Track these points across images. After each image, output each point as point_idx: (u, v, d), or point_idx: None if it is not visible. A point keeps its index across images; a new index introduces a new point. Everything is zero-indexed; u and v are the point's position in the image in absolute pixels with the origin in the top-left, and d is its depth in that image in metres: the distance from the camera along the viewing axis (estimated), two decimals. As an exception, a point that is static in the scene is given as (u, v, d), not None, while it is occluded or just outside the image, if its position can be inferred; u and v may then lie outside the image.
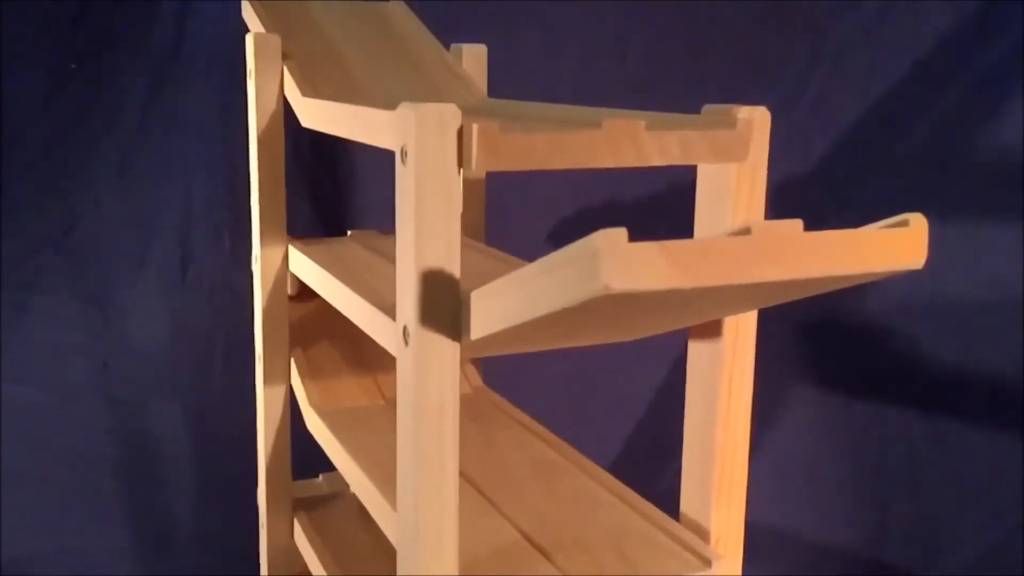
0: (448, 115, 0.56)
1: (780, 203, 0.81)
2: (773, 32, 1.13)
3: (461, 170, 0.57)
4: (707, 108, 0.64)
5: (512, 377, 1.06)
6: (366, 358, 1.01)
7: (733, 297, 0.54)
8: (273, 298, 0.97)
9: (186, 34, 1.42)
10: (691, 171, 0.67)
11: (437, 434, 0.60)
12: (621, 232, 0.43)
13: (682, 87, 1.16)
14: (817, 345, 1.10)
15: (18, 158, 1.39)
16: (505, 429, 0.92)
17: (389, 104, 0.62)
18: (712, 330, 0.67)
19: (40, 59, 1.42)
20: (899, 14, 1.06)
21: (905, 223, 0.49)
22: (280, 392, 0.99)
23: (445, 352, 0.59)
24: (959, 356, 1.00)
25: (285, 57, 0.93)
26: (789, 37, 1.11)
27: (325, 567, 0.91)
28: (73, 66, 1.48)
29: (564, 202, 1.23)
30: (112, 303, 1.34)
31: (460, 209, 0.58)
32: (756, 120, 0.63)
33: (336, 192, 1.37)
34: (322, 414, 0.92)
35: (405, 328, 0.59)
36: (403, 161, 0.58)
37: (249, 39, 0.93)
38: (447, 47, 1.04)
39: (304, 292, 0.96)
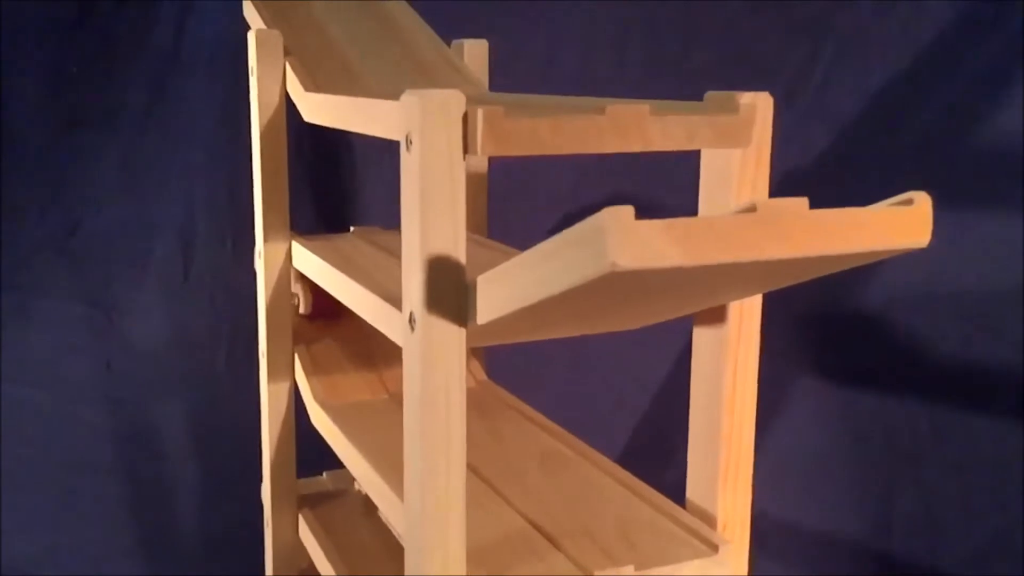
0: (453, 101, 0.56)
1: (782, 196, 0.81)
2: (774, 26, 1.13)
3: (466, 156, 0.57)
4: (710, 94, 0.65)
5: (516, 372, 1.06)
6: (370, 353, 1.01)
7: (738, 278, 0.54)
8: (276, 294, 0.98)
9: (186, 36, 1.43)
10: (695, 167, 0.67)
11: (444, 421, 0.60)
12: (628, 210, 0.44)
13: (682, 82, 1.17)
14: (821, 337, 1.10)
15: (19, 161, 1.39)
16: (510, 422, 0.92)
17: (391, 98, 0.62)
18: (716, 316, 0.67)
19: (41, 63, 1.43)
20: (899, 7, 1.06)
21: (909, 202, 0.49)
22: (284, 388, 0.99)
23: (451, 337, 0.59)
24: (962, 347, 1.00)
25: (287, 53, 0.93)
26: (790, 31, 1.12)
27: (331, 563, 0.91)
28: (74, 69, 1.49)
29: (566, 198, 1.23)
30: (114, 304, 1.34)
31: (464, 195, 0.58)
32: (759, 105, 0.63)
33: (338, 190, 1.37)
34: (327, 408, 0.92)
35: (411, 314, 0.59)
36: (408, 148, 0.58)
37: (251, 35, 0.93)
38: (448, 44, 1.05)
39: (318, 312, 0.97)
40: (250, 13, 1.01)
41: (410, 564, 0.64)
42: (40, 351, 1.32)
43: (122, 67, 1.42)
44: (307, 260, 0.92)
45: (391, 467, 0.76)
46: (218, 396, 1.33)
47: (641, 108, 0.59)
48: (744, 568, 0.69)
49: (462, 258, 0.58)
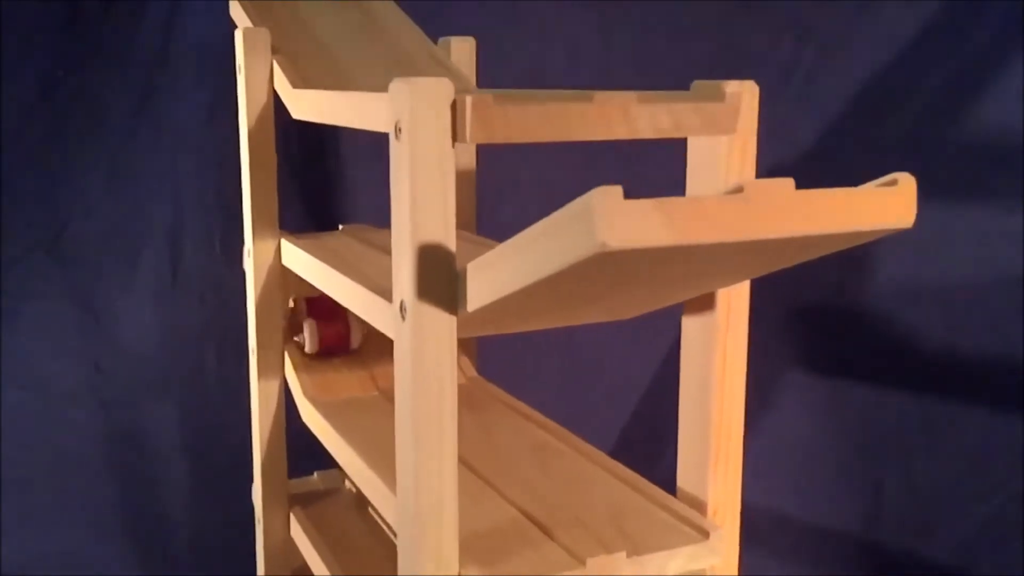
0: (442, 89, 0.56)
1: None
2: (758, 20, 1.14)
3: (455, 144, 0.57)
4: (696, 83, 0.65)
5: (506, 369, 1.07)
6: (360, 351, 1.01)
7: (725, 261, 0.54)
8: (266, 292, 0.98)
9: (173, 39, 1.43)
10: (683, 166, 0.67)
11: (436, 410, 0.60)
12: (616, 190, 0.44)
13: (668, 79, 1.17)
14: (810, 330, 1.11)
15: (7, 164, 1.39)
16: (501, 416, 0.92)
17: (380, 92, 0.63)
18: (705, 304, 0.67)
19: (28, 67, 1.42)
20: (884, 3, 1.07)
21: (894, 183, 0.50)
22: (274, 386, 0.99)
23: (442, 325, 0.59)
24: (951, 339, 1.01)
25: (274, 52, 0.93)
26: (774, 25, 1.12)
27: (323, 560, 0.91)
28: (61, 73, 1.48)
29: (555, 198, 1.23)
30: (103, 306, 1.34)
31: (454, 184, 0.58)
32: (745, 93, 0.63)
33: (326, 189, 1.37)
34: (317, 405, 0.92)
35: (402, 303, 0.60)
36: (397, 137, 0.58)
37: (238, 34, 0.93)
38: (435, 42, 1.05)
39: (325, 351, 0.98)
40: (237, 13, 1.01)
41: (403, 555, 0.64)
42: (29, 353, 1.31)
43: (110, 70, 1.41)
44: (296, 257, 0.92)
45: (383, 461, 0.76)
46: (208, 397, 1.33)
47: (628, 96, 0.59)
48: (735, 553, 0.70)
49: (452, 246, 0.59)
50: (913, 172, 0.52)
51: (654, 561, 0.65)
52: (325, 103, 0.80)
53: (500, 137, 0.57)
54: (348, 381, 0.98)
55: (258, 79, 0.93)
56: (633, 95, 0.59)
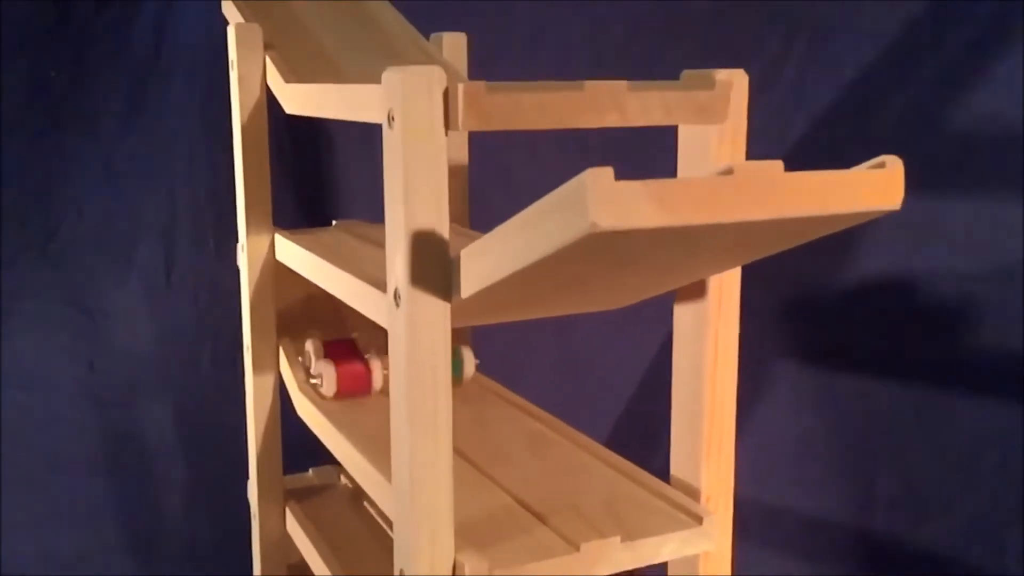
0: (434, 76, 0.57)
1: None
2: (748, 14, 1.15)
3: (448, 132, 0.58)
4: (686, 73, 0.66)
5: (501, 362, 1.07)
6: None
7: (716, 244, 0.55)
8: (260, 287, 0.98)
9: (165, 38, 1.43)
10: (673, 163, 0.68)
11: (431, 397, 0.61)
12: (607, 171, 0.45)
13: (658, 74, 1.18)
14: (802, 321, 1.11)
15: (0, 165, 1.39)
16: (495, 408, 0.92)
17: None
18: (696, 291, 0.68)
19: (20, 67, 1.43)
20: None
21: (882, 165, 0.51)
22: (269, 381, 0.99)
23: (436, 312, 0.60)
24: (942, 329, 1.02)
25: (266, 48, 0.94)
26: (764, 19, 1.13)
27: (319, 553, 0.91)
28: (53, 73, 1.49)
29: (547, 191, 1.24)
30: (97, 306, 1.34)
31: (447, 172, 0.59)
32: (735, 82, 0.64)
33: (319, 186, 1.38)
34: (312, 398, 0.92)
35: (396, 291, 0.60)
36: (390, 125, 0.59)
37: (230, 30, 0.94)
38: (427, 38, 1.06)
39: (344, 393, 0.91)
40: (229, 10, 1.01)
41: (399, 541, 0.64)
42: (23, 353, 1.31)
43: (102, 70, 1.42)
44: (290, 252, 0.93)
45: (378, 452, 0.76)
46: (203, 395, 1.33)
47: (619, 84, 0.60)
48: (728, 539, 0.70)
49: (445, 233, 0.59)
50: (904, 162, 0.52)
51: (648, 546, 0.65)
52: (318, 97, 0.80)
53: (492, 124, 0.57)
54: (343, 375, 0.98)
55: (250, 74, 0.93)
56: (624, 84, 0.60)
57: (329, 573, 0.87)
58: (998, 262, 0.99)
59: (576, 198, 0.45)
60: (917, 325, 1.04)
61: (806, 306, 1.11)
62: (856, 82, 1.11)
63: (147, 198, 1.38)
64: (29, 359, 1.34)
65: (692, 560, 0.70)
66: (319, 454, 1.08)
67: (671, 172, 0.68)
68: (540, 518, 0.68)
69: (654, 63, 1.23)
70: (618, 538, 0.64)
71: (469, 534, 0.65)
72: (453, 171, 1.07)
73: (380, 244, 0.68)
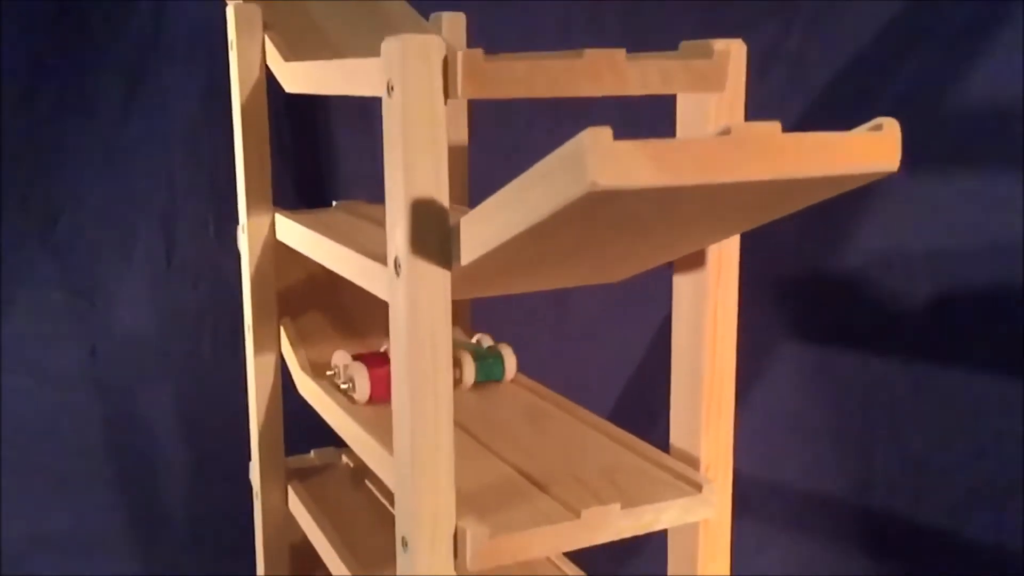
0: (433, 45, 0.57)
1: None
2: (747, -3, 1.15)
3: (447, 100, 0.58)
4: (685, 43, 0.66)
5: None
6: (355, 325, 1.02)
7: (714, 208, 0.55)
8: (261, 268, 0.98)
9: (164, 24, 1.43)
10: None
11: (431, 366, 0.61)
12: (606, 130, 0.45)
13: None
14: (799, 299, 1.12)
15: (1, 153, 1.39)
16: (496, 383, 0.93)
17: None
18: (696, 261, 0.68)
19: (20, 55, 1.43)
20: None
21: (879, 127, 0.51)
22: (270, 360, 1.00)
23: (437, 281, 0.60)
24: (938, 305, 1.02)
25: (266, 27, 0.94)
26: (764, 1, 1.14)
27: (322, 530, 0.92)
28: (53, 61, 1.49)
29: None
30: (99, 292, 1.34)
31: (446, 141, 0.59)
32: (732, 51, 0.64)
33: (318, 170, 1.38)
34: (314, 376, 0.92)
35: (396, 259, 0.61)
36: (389, 94, 0.59)
37: (229, 10, 0.94)
38: (426, 18, 1.06)
39: (377, 399, 0.86)
40: (228, -9, 1.01)
41: (400, 509, 0.64)
42: (26, 340, 1.32)
43: (101, 56, 1.42)
44: (291, 231, 0.93)
45: (379, 426, 0.77)
46: (204, 378, 1.33)
47: (617, 52, 0.60)
48: (728, 507, 0.71)
49: (445, 201, 0.59)
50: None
51: (648, 513, 0.66)
52: (317, 73, 0.80)
53: (491, 92, 0.57)
54: (344, 354, 0.99)
55: (250, 54, 0.94)
56: (622, 52, 0.60)
57: (331, 548, 0.88)
58: (996, 239, 1.00)
59: (575, 157, 0.45)
60: (915, 302, 1.04)
61: (806, 283, 1.12)
62: (855, 59, 1.11)
63: (147, 184, 1.38)
64: (31, 345, 1.34)
65: (692, 528, 0.71)
66: (319, 439, 1.09)
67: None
68: (541, 487, 0.68)
69: (651, 46, 1.23)
70: (618, 505, 0.64)
71: (470, 502, 0.66)
72: (453, 152, 1.08)
73: (380, 223, 0.69)
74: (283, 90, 0.89)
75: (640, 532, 0.66)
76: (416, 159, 0.58)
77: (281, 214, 0.96)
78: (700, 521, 0.70)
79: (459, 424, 0.81)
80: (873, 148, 0.51)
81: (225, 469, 1.26)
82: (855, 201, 1.07)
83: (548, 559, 0.91)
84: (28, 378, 1.32)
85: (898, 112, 0.52)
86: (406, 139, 0.58)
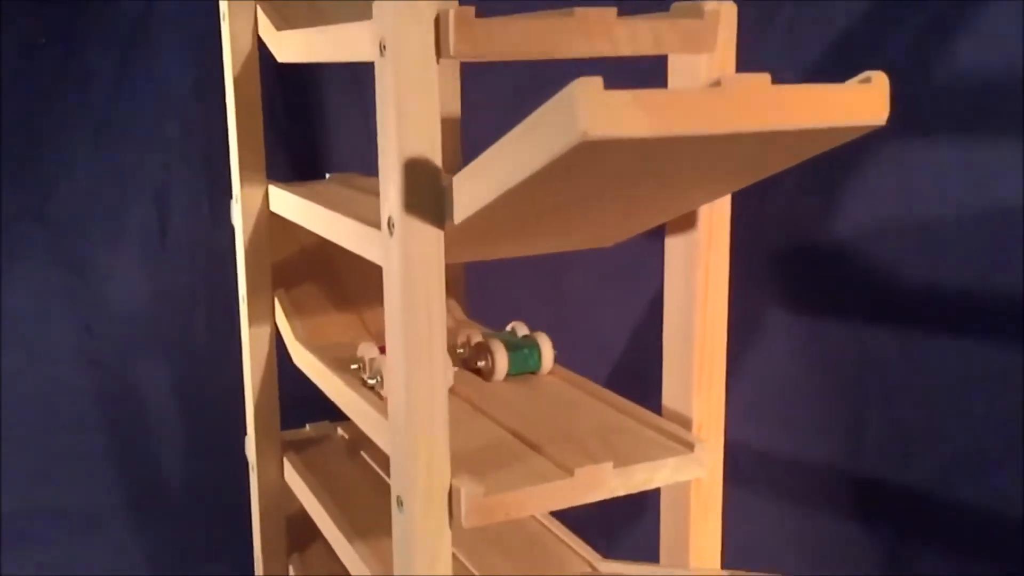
0: (425, 4, 0.57)
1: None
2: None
3: (439, 60, 0.58)
4: (675, 4, 0.66)
5: (495, 314, 1.08)
6: (350, 296, 1.02)
7: (705, 163, 0.56)
8: (255, 238, 0.98)
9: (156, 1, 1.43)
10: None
11: (425, 326, 0.61)
12: (597, 80, 0.45)
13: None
14: (791, 269, 1.13)
15: (-9, 131, 1.39)
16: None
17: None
18: (687, 222, 0.69)
19: (10, 35, 1.42)
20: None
21: (868, 80, 0.51)
22: (265, 332, 1.00)
23: (430, 240, 0.60)
24: (928, 274, 1.03)
25: (257, -1, 0.94)
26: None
27: (318, 499, 0.92)
28: (44, 40, 1.48)
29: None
30: (92, 268, 1.34)
31: (438, 100, 0.59)
32: (723, 12, 0.65)
33: (310, 146, 1.38)
34: (309, 347, 0.93)
35: (390, 219, 0.61)
36: (382, 54, 0.59)
37: (222, -20, 0.94)
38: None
39: None
40: (220, -37, 1.01)
41: (395, 470, 0.65)
42: (20, 316, 1.32)
43: (92, 35, 1.41)
44: (284, 202, 0.93)
45: (374, 396, 0.77)
46: (199, 355, 1.34)
47: (609, 11, 0.60)
48: (719, 466, 0.72)
49: (438, 160, 0.60)
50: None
51: (640, 472, 0.66)
52: (309, 41, 0.80)
53: (483, 52, 0.58)
54: (338, 325, 0.99)
55: (242, 25, 0.94)
56: (613, 11, 0.61)
57: (327, 516, 0.88)
58: (986, 209, 1.00)
59: (566, 107, 0.45)
60: (905, 269, 1.05)
61: (798, 254, 1.12)
62: (847, 29, 1.11)
63: (140, 161, 1.38)
64: (26, 322, 1.35)
65: (684, 488, 0.71)
66: (313, 415, 1.10)
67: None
68: (534, 448, 0.69)
69: (644, 8, 1.23)
70: (611, 464, 0.65)
71: (465, 462, 0.66)
72: (446, 125, 1.08)
73: (374, 193, 0.69)
74: (276, 66, 0.90)
75: (633, 491, 0.66)
76: (409, 119, 0.58)
77: (275, 185, 0.97)
78: (692, 481, 0.71)
79: (453, 390, 0.82)
80: (862, 101, 0.51)
81: (220, 444, 1.26)
82: (846, 171, 1.08)
83: (549, 530, 0.91)
84: (22, 354, 1.32)
85: (892, 83, 0.53)
86: (399, 99, 0.58)
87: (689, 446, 0.68)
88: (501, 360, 0.83)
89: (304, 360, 0.93)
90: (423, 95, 0.58)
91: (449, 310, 1.05)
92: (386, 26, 0.58)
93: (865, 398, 1.06)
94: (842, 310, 1.08)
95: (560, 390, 0.82)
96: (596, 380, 1.28)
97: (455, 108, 1.08)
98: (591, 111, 0.45)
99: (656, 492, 0.76)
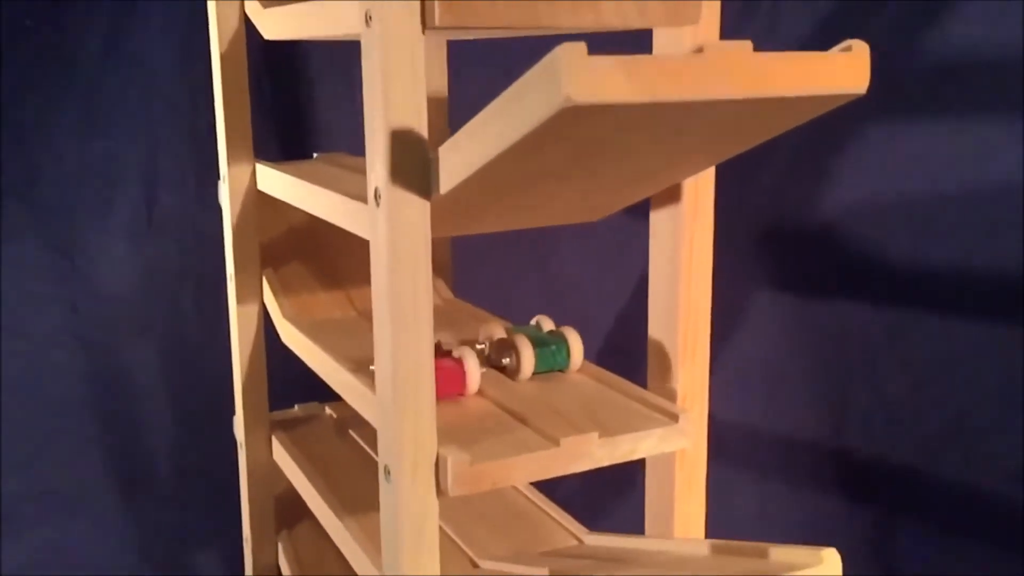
0: (410, -26, 0.58)
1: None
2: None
3: (425, 31, 0.59)
4: (660, -21, 0.67)
5: (482, 294, 1.08)
6: (337, 274, 1.03)
7: (688, 134, 0.56)
8: (242, 218, 0.99)
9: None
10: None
11: (411, 297, 0.62)
12: (580, 46, 0.46)
13: None
14: (775, 248, 1.13)
15: (-24, 113, 1.38)
16: (476, 329, 0.94)
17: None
18: (672, 196, 0.70)
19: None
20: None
21: (849, 48, 0.52)
22: (253, 310, 1.00)
23: (416, 211, 0.61)
24: (912, 252, 1.04)
25: (244, -25, 0.94)
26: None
27: (306, 476, 0.93)
28: (29, 22, 1.48)
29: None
30: (79, 249, 1.34)
31: (424, 71, 0.59)
32: (707, -16, 0.65)
33: (297, 127, 1.38)
34: (296, 324, 0.93)
35: (376, 190, 0.61)
36: (368, 25, 0.59)
37: (208, -42, 0.94)
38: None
39: (443, 394, 0.74)
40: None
41: (383, 441, 0.65)
42: (6, 297, 1.31)
43: (77, 15, 1.41)
44: (272, 180, 0.93)
45: (361, 370, 0.78)
46: (186, 336, 1.34)
47: (594, -17, 0.61)
48: (704, 437, 0.72)
49: (424, 131, 0.60)
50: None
51: (625, 443, 0.67)
52: (296, 17, 0.80)
53: (469, 21, 0.58)
54: (326, 303, 1.00)
55: (228, 3, 0.94)
56: (599, -18, 0.61)
57: (316, 492, 0.89)
58: (971, 186, 1.01)
59: (550, 73, 0.46)
60: (888, 248, 1.06)
61: (783, 231, 1.13)
62: (832, 9, 1.12)
63: (127, 142, 1.38)
64: (12, 303, 1.34)
65: (669, 459, 0.72)
66: (303, 394, 1.10)
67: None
68: (520, 419, 0.70)
69: None
70: (596, 434, 0.65)
71: (451, 433, 0.67)
72: (433, 104, 1.08)
73: (361, 171, 0.69)
74: (263, 48, 0.90)
75: (618, 461, 0.67)
76: (395, 89, 0.59)
77: (262, 164, 0.97)
78: (676, 452, 0.72)
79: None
80: (843, 69, 0.52)
81: (208, 425, 1.27)
82: (830, 150, 1.09)
83: (535, 504, 0.91)
84: (9, 336, 1.32)
85: (874, 59, 0.53)
86: (385, 70, 0.58)
87: (673, 417, 0.69)
88: (527, 358, 0.77)
89: (292, 337, 0.93)
90: (409, 66, 0.59)
91: (436, 289, 1.06)
92: (372, -3, 0.58)
93: (849, 374, 1.07)
94: (826, 287, 1.09)
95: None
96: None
97: (442, 89, 1.08)
98: (575, 76, 0.45)
99: (641, 472, 0.77)
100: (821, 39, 1.12)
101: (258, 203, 0.99)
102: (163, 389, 1.35)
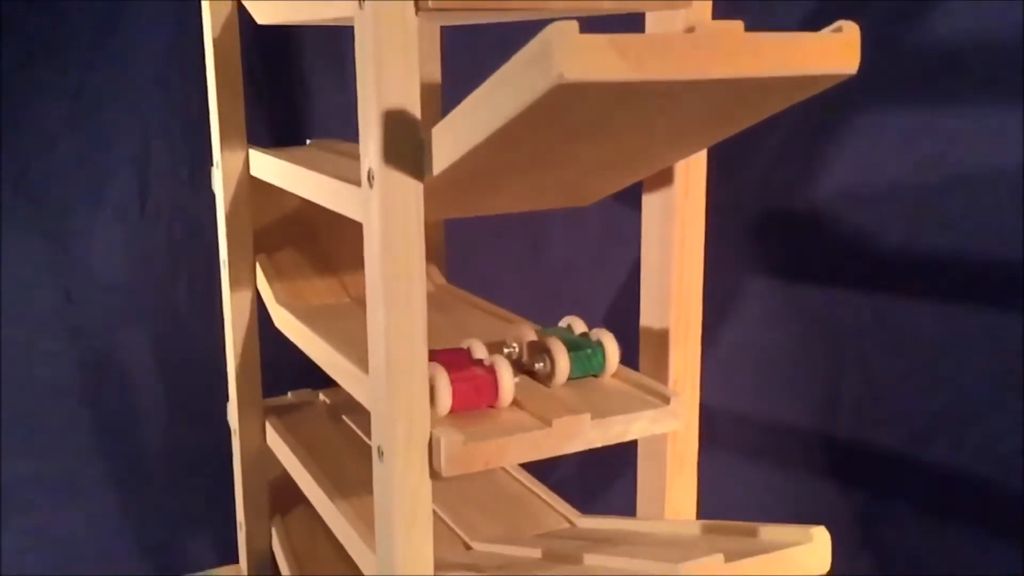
0: (403, -45, 0.58)
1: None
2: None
3: (418, 12, 0.59)
4: (652, -39, 0.67)
5: (475, 281, 1.09)
6: (331, 260, 1.03)
7: (679, 115, 0.56)
8: (235, 204, 0.99)
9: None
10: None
11: (405, 279, 0.62)
12: (572, 24, 0.46)
13: None
14: (767, 234, 1.14)
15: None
16: (469, 315, 0.94)
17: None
18: (664, 179, 0.70)
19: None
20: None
21: (839, 29, 0.52)
22: (247, 296, 1.01)
23: (409, 192, 0.61)
24: (902, 238, 1.05)
25: (237, -40, 0.94)
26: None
27: (300, 460, 0.93)
28: (22, 9, 1.47)
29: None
30: (72, 237, 1.34)
31: (417, 52, 0.60)
32: (699, -32, 0.65)
33: (290, 114, 1.38)
34: (290, 309, 0.93)
35: (370, 171, 0.61)
36: (360, 6, 0.59)
37: (201, -56, 0.94)
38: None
39: (460, 407, 0.69)
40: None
41: (376, 422, 0.66)
42: (1, 286, 1.31)
43: (70, 4, 1.41)
44: (265, 165, 0.94)
45: (354, 351, 0.78)
46: (180, 322, 1.34)
47: (586, -35, 0.61)
48: (695, 419, 0.73)
49: (417, 113, 0.60)
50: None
51: (617, 424, 0.67)
52: (289, 1, 0.80)
53: (462, 2, 0.58)
54: (319, 288, 1.00)
55: (222, -12, 0.94)
56: (591, -35, 0.61)
57: (309, 476, 0.89)
58: (959, 171, 1.02)
59: (542, 51, 0.46)
60: (880, 234, 1.07)
61: (774, 218, 1.14)
62: (820, 9, 1.12)
63: (120, 130, 1.38)
64: (6, 291, 1.34)
65: (660, 441, 0.73)
66: (296, 381, 1.10)
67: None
68: (514, 401, 0.70)
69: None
70: (588, 415, 0.66)
71: (443, 420, 0.67)
72: (427, 91, 1.08)
73: (354, 156, 0.69)
74: (256, 34, 0.90)
75: (610, 442, 0.67)
76: (388, 70, 0.59)
77: (255, 150, 0.97)
78: (668, 433, 0.72)
79: (431, 350, 0.82)
80: (833, 49, 0.52)
81: (201, 411, 1.27)
82: (821, 137, 1.09)
83: (528, 488, 0.92)
84: (5, 324, 1.32)
85: (866, 46, 0.54)
86: (378, 51, 0.58)
87: (665, 399, 0.69)
88: (562, 362, 0.71)
89: (285, 322, 0.93)
90: (402, 47, 0.59)
91: (429, 275, 1.06)
92: (365, -22, 0.58)
93: (840, 359, 1.08)
94: (818, 273, 1.10)
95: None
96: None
97: (436, 76, 1.08)
98: (567, 54, 0.45)
99: (633, 460, 0.78)
100: (813, 25, 1.12)
101: (251, 189, 0.99)
102: (157, 375, 1.35)
